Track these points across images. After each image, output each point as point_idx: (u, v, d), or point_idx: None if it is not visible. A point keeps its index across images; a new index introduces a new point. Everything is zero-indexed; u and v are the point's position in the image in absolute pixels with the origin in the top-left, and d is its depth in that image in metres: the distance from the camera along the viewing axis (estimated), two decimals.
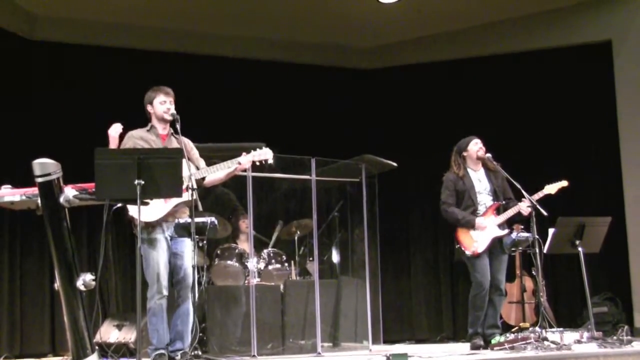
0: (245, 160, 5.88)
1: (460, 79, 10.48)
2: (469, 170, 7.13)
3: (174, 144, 5.81)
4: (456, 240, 7.06)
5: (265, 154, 5.97)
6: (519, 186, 6.86)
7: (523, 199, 6.85)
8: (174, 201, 5.63)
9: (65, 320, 4.86)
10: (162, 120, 5.86)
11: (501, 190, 7.10)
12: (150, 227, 5.59)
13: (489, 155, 7.09)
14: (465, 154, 7.14)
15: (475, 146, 7.11)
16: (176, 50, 9.94)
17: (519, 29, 10.27)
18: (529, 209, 6.78)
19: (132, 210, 5.49)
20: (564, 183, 7.07)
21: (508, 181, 7.05)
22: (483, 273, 6.91)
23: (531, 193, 6.82)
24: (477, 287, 6.93)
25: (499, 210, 7.01)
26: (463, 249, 6.99)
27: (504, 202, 7.05)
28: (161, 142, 5.83)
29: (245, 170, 6.25)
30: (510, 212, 6.93)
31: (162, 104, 5.85)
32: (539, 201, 6.85)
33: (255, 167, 6.09)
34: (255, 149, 5.99)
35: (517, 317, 8.79)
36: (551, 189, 7.02)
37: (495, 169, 7.09)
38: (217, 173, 5.85)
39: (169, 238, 5.73)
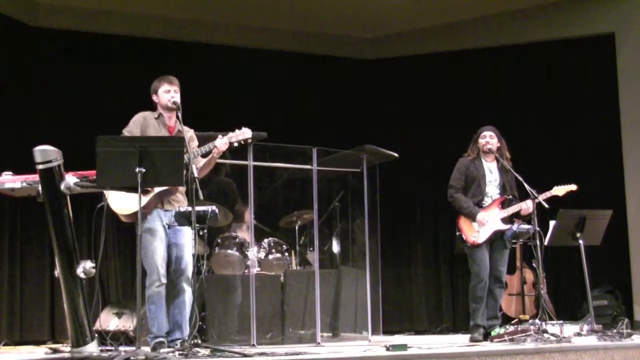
0: (222, 142, 5.74)
1: (462, 70, 10.46)
2: (482, 159, 7.11)
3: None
4: (458, 227, 7.05)
5: (243, 134, 5.82)
6: (520, 179, 6.84)
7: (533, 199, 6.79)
8: (154, 190, 5.62)
9: (65, 307, 4.86)
10: (166, 109, 5.85)
11: (509, 186, 7.08)
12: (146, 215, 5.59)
13: (491, 147, 7.04)
14: (477, 144, 7.12)
15: (482, 139, 7.08)
16: (178, 38, 9.92)
17: (520, 21, 10.25)
18: (529, 209, 6.76)
19: (113, 203, 5.49)
20: (573, 187, 7.03)
21: (516, 179, 7.01)
22: (481, 265, 6.90)
23: (533, 187, 6.78)
24: (475, 279, 6.93)
25: (503, 205, 7.00)
26: (463, 237, 6.99)
27: (510, 197, 7.04)
28: (167, 134, 5.82)
29: (223, 153, 5.97)
30: (515, 208, 6.91)
31: (167, 93, 5.84)
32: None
33: (239, 149, 5.97)
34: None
35: (517, 309, 8.80)
36: (559, 190, 6.99)
37: (503, 167, 7.05)
38: (199, 161, 5.80)
39: (166, 227, 5.74)
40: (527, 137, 9.86)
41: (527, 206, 6.83)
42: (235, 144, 5.83)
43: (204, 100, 8.80)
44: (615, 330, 6.63)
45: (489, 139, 7.06)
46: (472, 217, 6.96)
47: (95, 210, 5.25)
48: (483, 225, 6.92)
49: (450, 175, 7.18)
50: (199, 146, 5.87)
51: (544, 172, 8.93)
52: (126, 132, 5.75)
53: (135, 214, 5.40)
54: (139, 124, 5.80)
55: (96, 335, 4.98)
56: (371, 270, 7.63)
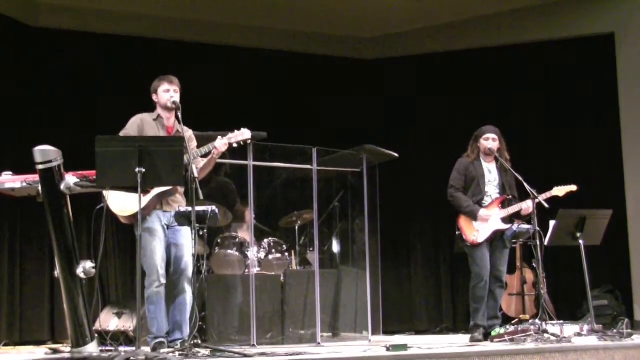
0: (221, 143, 5.76)
1: (462, 70, 10.46)
2: (481, 159, 7.11)
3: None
4: (457, 226, 7.05)
5: (243, 135, 5.85)
6: (520, 178, 6.84)
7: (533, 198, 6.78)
8: (154, 192, 5.63)
9: (65, 307, 4.85)
10: (165, 108, 5.85)
11: (509, 186, 7.08)
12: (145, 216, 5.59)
13: (492, 148, 7.03)
14: (478, 144, 7.11)
15: (486, 142, 7.06)
16: (179, 38, 9.92)
17: (520, 21, 10.25)
18: (530, 209, 6.75)
19: (113, 204, 5.49)
20: (573, 188, 7.03)
21: (516, 180, 7.00)
22: (482, 264, 6.90)
23: (533, 187, 6.77)
24: (476, 279, 6.93)
25: (504, 204, 7.00)
26: (463, 237, 6.99)
27: (510, 197, 7.03)
28: (166, 134, 5.82)
29: (224, 157, 6.09)
30: (515, 207, 6.91)
31: (166, 92, 5.84)
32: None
33: (239, 149, 5.99)
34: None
35: (517, 309, 8.80)
36: (559, 191, 6.99)
37: (502, 167, 7.04)
38: (199, 162, 5.81)
39: (166, 227, 5.74)
40: (527, 137, 9.86)
41: (527, 206, 6.83)
42: (235, 145, 5.86)
43: (204, 101, 8.79)
44: (615, 330, 6.62)
45: (491, 142, 7.05)
46: (473, 215, 6.95)
47: (95, 211, 5.25)
48: (486, 221, 6.91)
49: (450, 175, 7.17)
50: (198, 146, 5.87)
51: (543, 172, 8.93)
52: (123, 134, 5.75)
53: (134, 215, 5.40)
54: (136, 126, 5.80)
55: (96, 335, 4.97)
56: (371, 270, 7.63)
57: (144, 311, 5.81)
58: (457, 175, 7.11)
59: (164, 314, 5.68)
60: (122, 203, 5.51)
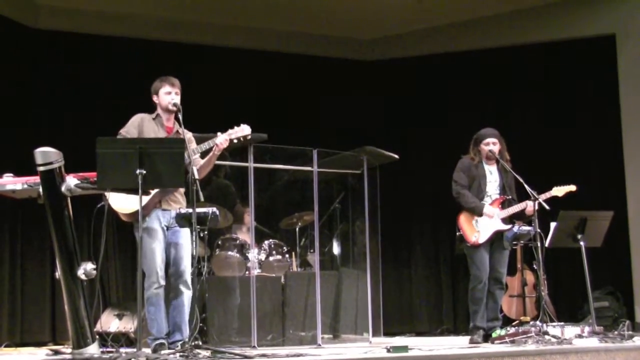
0: (222, 139, 5.74)
1: (462, 71, 10.46)
2: (483, 161, 7.11)
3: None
4: (458, 226, 7.04)
5: (242, 131, 5.82)
6: (521, 180, 6.83)
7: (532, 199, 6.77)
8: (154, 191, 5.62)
9: (65, 309, 4.85)
10: (166, 110, 5.85)
11: (508, 187, 7.07)
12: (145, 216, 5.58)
13: (493, 151, 7.02)
14: (479, 148, 7.10)
15: (486, 147, 7.04)
16: (179, 40, 9.92)
17: (520, 22, 10.25)
18: (532, 210, 6.74)
19: (113, 202, 5.48)
20: (572, 188, 7.01)
21: (516, 181, 7.00)
22: (481, 266, 6.90)
23: (533, 188, 6.77)
24: (474, 280, 6.93)
25: (503, 205, 6.99)
26: (464, 237, 6.98)
27: (509, 197, 7.03)
28: (165, 134, 5.82)
29: (223, 155, 6.07)
30: (515, 208, 6.90)
31: (167, 95, 5.83)
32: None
33: (239, 151, 5.98)
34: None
35: (518, 310, 8.79)
36: (559, 191, 6.97)
37: (503, 168, 7.04)
38: (199, 162, 5.80)
39: (165, 228, 5.73)
40: (527, 137, 9.85)
41: (529, 206, 6.81)
42: (235, 141, 5.82)
43: (204, 102, 8.79)
44: (616, 332, 6.61)
45: (492, 146, 7.04)
46: (478, 212, 6.92)
47: (95, 209, 5.24)
48: (492, 217, 6.89)
49: (451, 174, 7.16)
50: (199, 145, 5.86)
51: (543, 172, 8.92)
52: (123, 132, 5.75)
53: (134, 213, 5.40)
54: (136, 125, 5.80)
55: (97, 336, 4.97)
56: (372, 271, 7.62)
57: (145, 312, 5.81)
58: (461, 174, 7.09)
59: (164, 315, 5.68)
60: (122, 201, 5.50)
